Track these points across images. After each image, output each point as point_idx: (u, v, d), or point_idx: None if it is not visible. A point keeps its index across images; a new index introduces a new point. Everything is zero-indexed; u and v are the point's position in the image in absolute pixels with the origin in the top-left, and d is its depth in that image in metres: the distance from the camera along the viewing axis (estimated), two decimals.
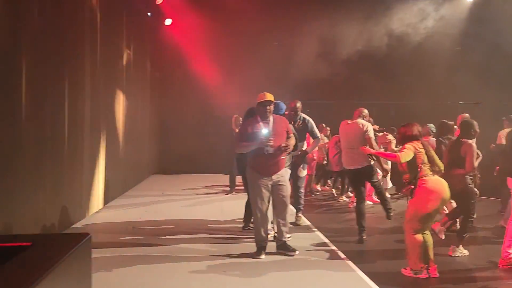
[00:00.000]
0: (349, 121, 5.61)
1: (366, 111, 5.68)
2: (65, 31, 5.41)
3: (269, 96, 4.51)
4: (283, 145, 4.45)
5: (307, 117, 5.94)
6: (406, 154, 3.97)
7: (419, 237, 3.94)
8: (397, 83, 12.58)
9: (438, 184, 3.95)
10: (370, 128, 5.42)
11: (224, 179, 10.97)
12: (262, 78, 11.66)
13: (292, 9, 12.12)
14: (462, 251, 4.68)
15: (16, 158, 4.08)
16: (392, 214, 5.66)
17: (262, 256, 4.49)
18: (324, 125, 9.82)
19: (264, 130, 4.44)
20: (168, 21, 12.49)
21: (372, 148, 5.28)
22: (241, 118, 8.30)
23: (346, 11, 11.05)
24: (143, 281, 3.77)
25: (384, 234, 5.76)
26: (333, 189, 9.28)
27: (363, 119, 5.58)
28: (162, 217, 6.57)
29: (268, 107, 4.51)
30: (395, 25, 11.25)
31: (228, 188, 9.05)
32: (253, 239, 4.68)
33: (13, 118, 4.07)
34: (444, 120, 5.80)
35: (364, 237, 5.27)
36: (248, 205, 5.77)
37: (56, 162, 5.12)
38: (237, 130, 8.29)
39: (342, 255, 4.65)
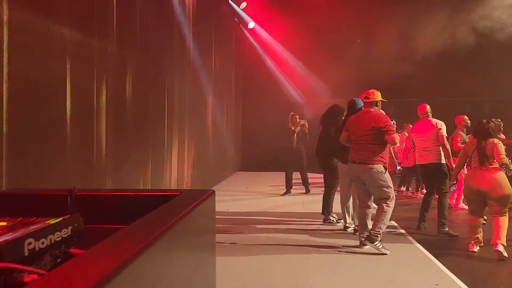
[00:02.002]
0: (422, 120, 5.74)
1: (429, 107, 5.73)
2: (161, 39, 6.10)
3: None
4: None
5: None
6: (461, 150, 5.09)
7: (470, 216, 4.75)
8: (492, 79, 11.78)
9: (472, 175, 4.68)
10: (443, 126, 5.51)
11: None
12: (342, 76, 11.71)
13: (375, 5, 11.98)
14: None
15: (122, 151, 4.75)
16: (446, 229, 5.41)
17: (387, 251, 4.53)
18: (410, 124, 9.60)
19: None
20: (251, 24, 13.11)
21: (444, 144, 5.42)
22: (297, 116, 8.33)
23: (436, 6, 10.67)
24: (231, 263, 4.20)
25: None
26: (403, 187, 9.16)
27: (430, 114, 5.70)
28: (247, 209, 7.03)
29: None
30: (487, 18, 10.57)
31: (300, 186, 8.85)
32: (332, 230, 4.90)
33: (121, 117, 4.74)
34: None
35: (425, 226, 5.60)
36: (326, 198, 5.99)
37: (155, 158, 5.78)
38: (293, 128, 8.26)
39: (411, 238, 5.11)
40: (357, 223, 5.28)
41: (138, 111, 5.13)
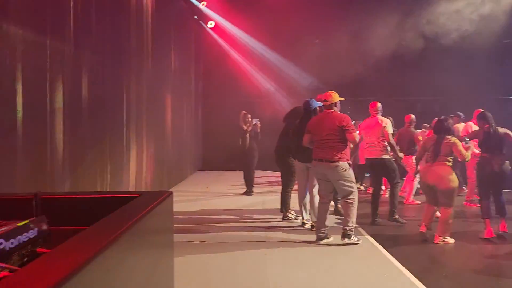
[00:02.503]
0: (370, 118, 6.19)
1: (379, 104, 6.18)
2: (119, 36, 6.02)
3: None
4: None
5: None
6: (421, 144, 5.62)
7: (426, 204, 5.24)
8: (440, 80, 12.43)
9: (425, 170, 5.14)
10: (389, 123, 5.99)
11: (266, 174, 11.44)
12: (301, 75, 11.98)
13: (333, 7, 12.31)
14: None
15: (78, 152, 4.67)
16: (395, 217, 5.95)
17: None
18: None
19: None
20: (211, 23, 13.11)
21: (389, 140, 5.88)
22: (249, 115, 8.25)
23: (388, 7, 11.14)
24: (191, 260, 4.26)
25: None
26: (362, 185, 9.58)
27: (380, 112, 6.16)
28: (207, 208, 7.09)
29: None
30: (438, 20, 11.15)
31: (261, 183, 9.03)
32: (290, 227, 5.16)
33: (77, 118, 4.65)
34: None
35: (378, 221, 5.90)
36: (283, 196, 6.18)
37: (113, 159, 5.70)
38: (245, 127, 8.20)
39: (364, 232, 5.39)
40: (314, 219, 5.49)
41: (94, 112, 5.05)
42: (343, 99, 5.09)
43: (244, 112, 8.39)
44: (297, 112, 6.05)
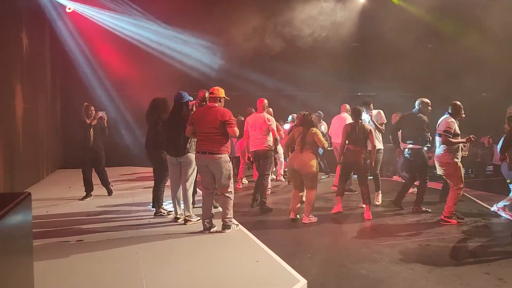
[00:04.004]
0: (257, 114, 6.74)
1: (266, 101, 6.77)
2: None
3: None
4: None
5: None
6: (290, 134, 5.97)
7: (293, 190, 5.76)
8: (304, 76, 13.45)
9: (292, 157, 5.68)
10: (273, 121, 6.67)
11: (136, 170, 11.00)
12: (165, 69, 11.73)
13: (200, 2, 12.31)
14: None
15: None
16: (265, 207, 6.38)
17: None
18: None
19: None
20: (69, 8, 11.91)
21: (276, 137, 6.66)
22: (92, 107, 7.36)
23: (251, 9, 11.59)
24: (56, 266, 3.85)
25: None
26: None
27: (266, 109, 6.76)
28: (71, 210, 6.48)
29: None
30: (296, 24, 12.02)
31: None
32: (163, 222, 5.28)
33: None
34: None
35: (254, 206, 6.51)
36: (156, 191, 6.00)
37: None
38: (88, 121, 7.24)
39: (235, 221, 5.36)
40: (187, 213, 5.47)
41: None
42: (228, 98, 5.27)
43: (86, 103, 7.40)
44: (158, 105, 5.90)
